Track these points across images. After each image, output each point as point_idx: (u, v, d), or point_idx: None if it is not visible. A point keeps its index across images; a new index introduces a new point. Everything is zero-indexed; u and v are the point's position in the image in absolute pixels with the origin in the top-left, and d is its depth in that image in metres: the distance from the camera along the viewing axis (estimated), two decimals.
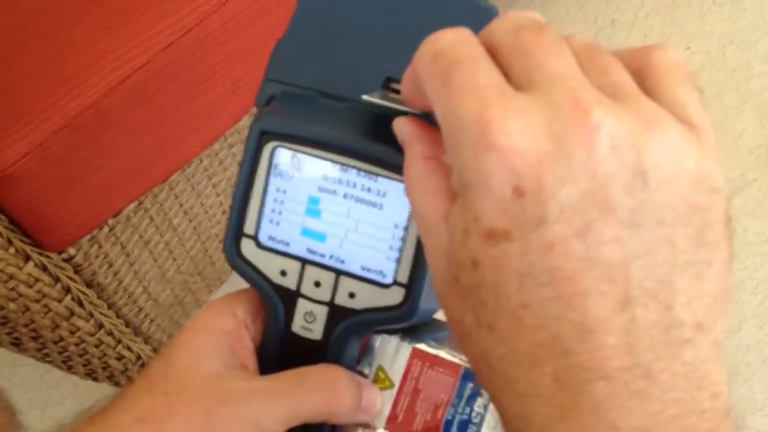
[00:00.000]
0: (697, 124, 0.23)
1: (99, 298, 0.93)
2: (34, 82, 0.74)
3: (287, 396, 0.32)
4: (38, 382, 1.20)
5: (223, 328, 0.34)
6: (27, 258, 0.80)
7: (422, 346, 0.35)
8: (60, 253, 0.85)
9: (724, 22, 1.41)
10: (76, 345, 0.93)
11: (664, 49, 0.24)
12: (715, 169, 0.22)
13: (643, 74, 0.24)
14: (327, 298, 0.33)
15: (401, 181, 0.29)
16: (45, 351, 0.92)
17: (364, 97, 0.31)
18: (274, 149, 0.33)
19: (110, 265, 0.92)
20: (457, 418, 0.34)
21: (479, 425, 0.34)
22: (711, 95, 1.34)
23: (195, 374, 0.32)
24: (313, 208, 0.33)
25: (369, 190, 0.32)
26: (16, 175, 0.74)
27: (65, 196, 0.80)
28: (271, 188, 0.33)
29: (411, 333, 0.35)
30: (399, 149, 0.29)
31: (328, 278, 0.33)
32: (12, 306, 0.81)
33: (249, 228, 0.34)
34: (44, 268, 0.83)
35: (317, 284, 0.33)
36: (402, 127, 0.28)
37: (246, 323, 0.35)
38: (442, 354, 0.35)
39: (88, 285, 0.91)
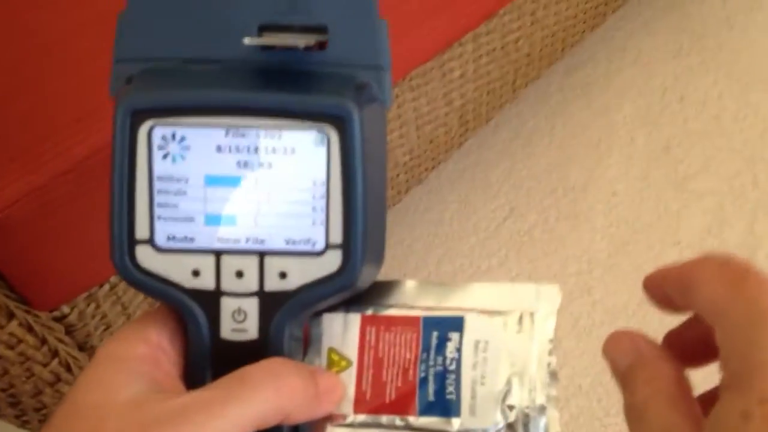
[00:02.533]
0: None
1: None
2: (38, 120, 0.65)
3: (231, 401, 0.27)
4: None
5: (135, 355, 0.29)
6: (10, 316, 0.70)
7: (371, 312, 0.32)
8: (51, 311, 0.75)
9: None
10: None
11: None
12: None
13: None
14: (254, 287, 0.29)
15: (308, 129, 0.28)
16: (24, 418, 0.81)
17: (247, 40, 0.29)
18: (150, 130, 0.28)
19: (107, 327, 0.82)
20: (431, 372, 0.30)
21: (457, 370, 0.30)
22: None
23: (110, 407, 0.27)
24: (212, 188, 0.29)
25: (274, 150, 0.28)
26: (6, 222, 0.64)
27: (63, 249, 0.70)
28: (158, 178, 0.29)
29: (354, 303, 0.32)
30: (296, 92, 0.28)
31: (250, 264, 0.29)
32: None
33: (141, 232, 0.29)
34: (29, 328, 0.72)
35: (239, 275, 0.29)
36: (623, 348, 0.27)
37: (162, 346, 0.30)
38: (395, 312, 0.31)
39: (80, 348, 0.80)
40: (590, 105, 1.33)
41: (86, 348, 0.81)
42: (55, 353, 0.76)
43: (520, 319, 0.31)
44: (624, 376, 0.27)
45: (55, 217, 0.67)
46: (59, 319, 0.76)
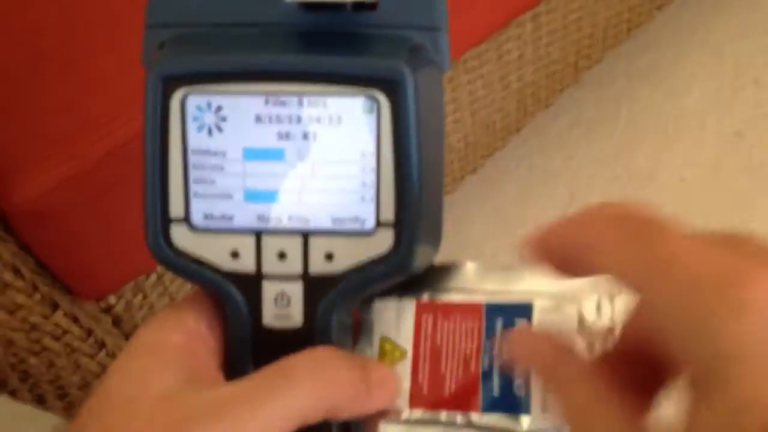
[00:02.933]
0: None
1: None
2: (78, 103, 0.63)
3: (271, 394, 0.25)
4: None
5: (170, 343, 0.27)
6: (55, 306, 0.69)
7: (426, 297, 0.29)
8: (97, 301, 0.73)
9: None
10: None
11: None
12: None
13: None
14: (298, 269, 0.27)
15: (355, 95, 0.26)
16: (73, 411, 0.81)
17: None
18: (184, 99, 0.26)
19: None
20: (496, 363, 0.28)
21: None
22: None
23: (142, 400, 0.25)
24: (252, 162, 0.27)
25: (318, 119, 0.26)
26: (46, 210, 0.62)
27: (106, 237, 0.69)
28: (193, 151, 0.27)
29: (409, 288, 0.29)
30: (342, 54, 0.26)
31: (293, 245, 0.27)
32: (34, 360, 0.70)
33: (176, 210, 0.27)
34: (75, 319, 0.71)
35: (282, 256, 0.27)
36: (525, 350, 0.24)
37: (200, 333, 0.28)
38: (455, 297, 0.29)
39: (128, 339, 0.79)
40: (657, 88, 1.27)
41: None
42: (101, 344, 0.75)
43: (599, 304, 0.28)
44: (546, 379, 0.24)
45: (98, 203, 0.66)
46: (106, 310, 0.75)
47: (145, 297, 0.77)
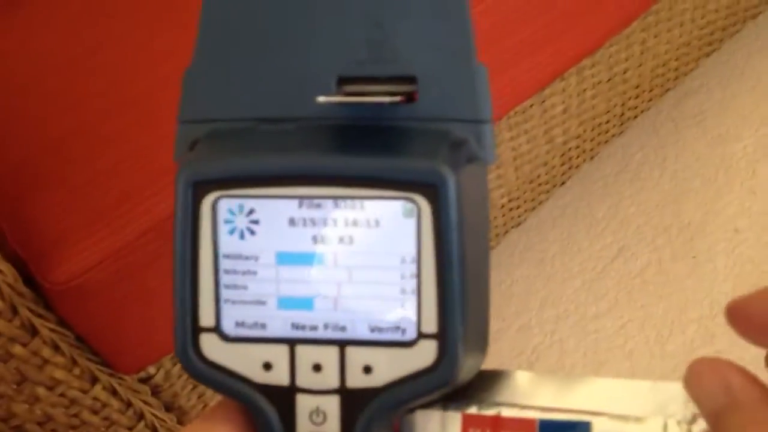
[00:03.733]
0: None
1: (179, 423, 0.79)
2: (119, 177, 0.63)
3: None
4: None
5: None
6: (94, 380, 0.67)
7: (474, 410, 0.27)
8: (136, 373, 0.72)
9: None
10: None
11: None
12: None
13: None
14: (335, 383, 0.26)
15: (394, 198, 0.25)
16: None
17: (321, 99, 0.26)
18: (215, 203, 0.25)
19: (195, 386, 0.79)
20: None
21: None
22: None
23: None
24: (285, 267, 0.26)
25: (355, 223, 0.25)
26: (86, 287, 0.62)
27: (146, 311, 0.68)
28: (224, 256, 0.26)
29: (454, 398, 0.27)
30: (379, 155, 0.25)
31: (329, 356, 0.26)
32: None
33: (206, 319, 0.26)
34: (114, 392, 0.70)
35: (317, 368, 0.26)
36: (709, 386, 0.21)
37: None
38: (505, 412, 0.27)
39: (167, 408, 0.77)
40: (705, 134, 1.23)
41: (174, 408, 0.78)
42: (140, 416, 0.74)
43: (665, 427, 0.26)
44: (714, 421, 0.21)
45: (137, 278, 0.65)
46: (145, 380, 0.74)
47: None
